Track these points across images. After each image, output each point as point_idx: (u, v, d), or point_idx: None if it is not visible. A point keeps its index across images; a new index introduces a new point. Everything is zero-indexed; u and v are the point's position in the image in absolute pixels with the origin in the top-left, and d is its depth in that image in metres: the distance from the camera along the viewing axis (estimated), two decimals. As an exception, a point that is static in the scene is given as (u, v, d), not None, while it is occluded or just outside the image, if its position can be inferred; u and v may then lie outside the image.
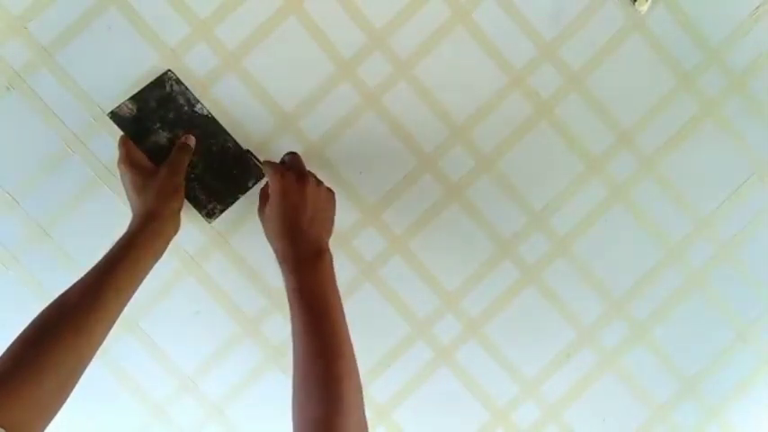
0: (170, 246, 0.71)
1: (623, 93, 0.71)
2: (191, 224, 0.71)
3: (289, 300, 0.57)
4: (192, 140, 0.68)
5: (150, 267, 0.60)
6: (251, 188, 0.70)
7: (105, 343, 0.71)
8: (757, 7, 0.71)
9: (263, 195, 0.66)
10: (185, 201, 0.68)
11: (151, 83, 0.68)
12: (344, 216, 0.71)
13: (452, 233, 0.72)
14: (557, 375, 0.74)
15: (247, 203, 0.71)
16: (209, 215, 0.70)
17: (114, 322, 0.55)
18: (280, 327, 0.72)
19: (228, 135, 0.69)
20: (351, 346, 0.55)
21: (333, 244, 0.71)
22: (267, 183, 0.65)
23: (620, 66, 0.71)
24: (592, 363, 0.74)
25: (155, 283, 0.70)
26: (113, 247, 0.58)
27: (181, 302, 0.71)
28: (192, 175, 0.69)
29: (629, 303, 0.74)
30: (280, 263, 0.60)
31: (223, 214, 0.70)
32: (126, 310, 0.71)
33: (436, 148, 0.71)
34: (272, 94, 0.70)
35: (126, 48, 0.69)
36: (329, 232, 0.63)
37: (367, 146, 0.71)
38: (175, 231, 0.64)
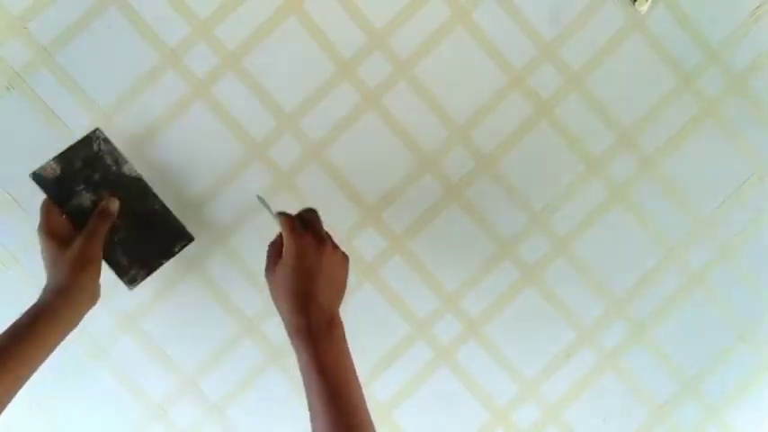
0: (170, 246, 0.71)
1: (623, 93, 0.71)
2: (192, 225, 0.71)
3: (303, 374, 0.53)
4: (113, 205, 0.64)
5: (60, 339, 0.58)
6: (177, 253, 0.67)
7: (105, 343, 0.71)
8: (757, 7, 0.71)
9: (274, 253, 0.59)
10: (108, 266, 0.65)
11: (77, 142, 0.64)
12: (344, 216, 0.71)
13: (452, 233, 0.72)
14: (557, 375, 0.74)
15: (247, 209, 0.71)
16: (131, 281, 0.66)
17: (16, 392, 0.53)
18: (280, 327, 0.72)
19: (156, 197, 0.67)
20: (370, 420, 0.52)
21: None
22: (277, 239, 0.60)
23: (620, 66, 0.71)
24: (592, 363, 0.74)
25: (155, 283, 0.71)
26: (21, 317, 0.57)
27: (181, 303, 0.71)
28: (115, 239, 0.65)
29: (629, 303, 0.74)
30: (290, 334, 0.55)
31: (223, 216, 0.70)
32: (126, 309, 0.71)
33: (436, 148, 0.71)
34: (272, 94, 0.70)
35: (126, 48, 0.69)
36: (341, 300, 0.59)
37: (367, 146, 0.71)
38: (92, 303, 0.62)
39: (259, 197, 0.62)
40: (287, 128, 0.71)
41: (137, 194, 0.66)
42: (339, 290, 0.58)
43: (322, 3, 0.69)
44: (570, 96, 0.71)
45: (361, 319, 0.73)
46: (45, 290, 0.60)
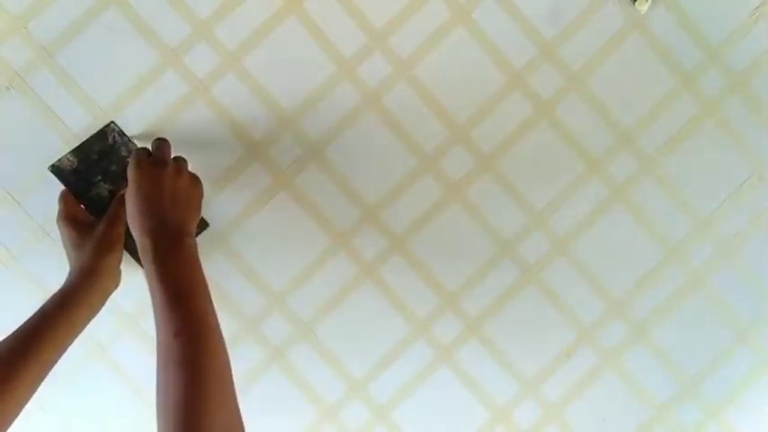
0: (170, 246, 0.71)
1: (623, 93, 0.71)
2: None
3: (150, 291, 0.54)
4: None
5: (86, 323, 0.59)
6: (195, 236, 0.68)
7: (106, 343, 0.71)
8: (757, 7, 0.71)
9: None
10: (126, 254, 0.67)
11: (93, 135, 0.67)
12: (344, 216, 0.71)
13: (452, 233, 0.72)
14: (557, 375, 0.74)
15: (247, 209, 0.71)
16: None
17: (43, 378, 0.55)
18: (280, 327, 0.72)
19: None
20: (216, 324, 0.53)
21: (332, 243, 0.72)
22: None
23: (620, 66, 0.71)
24: (592, 363, 0.74)
25: (155, 283, 0.71)
26: (47, 302, 0.58)
27: (181, 302, 0.71)
28: None
29: (629, 303, 0.74)
30: (139, 253, 0.57)
31: (223, 216, 0.70)
32: (128, 309, 0.71)
33: (436, 148, 0.71)
34: (272, 94, 0.70)
35: (126, 48, 0.69)
36: (193, 219, 0.62)
37: (367, 146, 0.71)
38: (115, 286, 0.64)
39: (121, 133, 0.67)
40: (287, 128, 0.71)
41: None
42: (188, 209, 0.61)
43: (322, 3, 0.69)
44: (570, 96, 0.71)
45: (361, 319, 0.73)
46: (70, 275, 0.61)
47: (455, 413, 0.74)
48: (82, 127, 0.69)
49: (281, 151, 0.71)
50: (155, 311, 0.53)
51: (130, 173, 0.60)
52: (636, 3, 0.70)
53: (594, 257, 0.73)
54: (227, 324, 0.72)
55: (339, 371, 0.73)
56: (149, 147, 0.65)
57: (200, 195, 0.65)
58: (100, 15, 0.68)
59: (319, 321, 0.73)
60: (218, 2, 0.69)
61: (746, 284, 0.74)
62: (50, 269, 0.70)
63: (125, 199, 0.61)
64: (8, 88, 0.68)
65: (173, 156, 0.65)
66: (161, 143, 0.65)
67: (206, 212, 0.71)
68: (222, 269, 0.71)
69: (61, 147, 0.69)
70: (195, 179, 0.64)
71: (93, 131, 0.68)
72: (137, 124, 0.70)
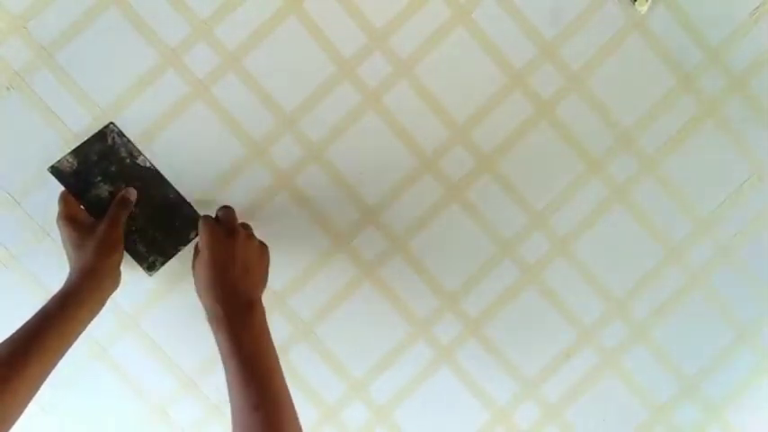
0: (170, 246, 0.71)
1: (623, 93, 0.71)
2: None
3: (223, 361, 0.56)
4: (131, 194, 0.67)
5: (86, 323, 0.60)
6: (192, 239, 0.70)
7: (106, 343, 0.71)
8: (757, 7, 0.71)
9: (197, 251, 0.64)
10: (126, 254, 0.67)
11: (92, 136, 0.67)
12: (344, 216, 0.71)
13: (452, 233, 0.72)
14: (557, 375, 0.74)
15: (246, 209, 0.71)
16: (150, 268, 0.69)
17: (45, 378, 0.55)
18: (280, 326, 0.72)
19: (171, 186, 0.69)
20: (289, 396, 0.54)
21: (332, 243, 0.72)
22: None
23: (620, 66, 0.71)
24: (592, 363, 0.74)
25: (156, 283, 0.71)
26: (48, 303, 0.58)
27: (181, 302, 0.71)
28: (133, 228, 0.68)
29: (629, 303, 0.74)
30: (210, 323, 0.58)
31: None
32: (126, 310, 0.71)
33: (436, 148, 0.71)
34: (272, 94, 0.70)
35: (126, 48, 0.69)
36: (261, 286, 0.63)
37: (367, 146, 0.71)
38: (115, 287, 0.64)
39: (187, 203, 0.69)
40: (287, 128, 0.71)
41: (152, 184, 0.69)
42: (257, 276, 0.62)
43: (322, 3, 0.69)
44: (570, 96, 0.71)
45: (362, 319, 0.73)
46: (71, 275, 0.62)
47: (455, 413, 0.74)
48: (82, 127, 0.69)
49: (282, 151, 0.71)
50: (229, 382, 0.54)
51: (202, 238, 0.60)
52: (636, 3, 0.70)
53: (594, 257, 0.73)
54: (227, 324, 0.72)
55: (339, 371, 0.73)
56: (214, 212, 0.65)
57: (268, 262, 0.66)
58: (100, 15, 0.68)
59: (319, 321, 0.73)
60: (218, 2, 0.69)
61: (746, 284, 0.74)
62: (50, 269, 0.70)
63: (195, 266, 0.61)
64: (8, 88, 0.68)
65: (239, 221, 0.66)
66: (228, 211, 0.65)
67: (206, 212, 0.71)
68: (222, 269, 0.71)
69: (61, 147, 0.69)
70: (263, 246, 0.65)
71: (93, 132, 0.68)
72: (137, 124, 0.70)
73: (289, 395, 0.55)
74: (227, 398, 0.72)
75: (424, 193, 0.72)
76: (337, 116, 0.71)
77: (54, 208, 0.68)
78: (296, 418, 0.54)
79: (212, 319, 0.58)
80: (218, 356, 0.72)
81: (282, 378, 0.56)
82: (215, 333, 0.57)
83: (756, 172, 0.73)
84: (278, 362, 0.56)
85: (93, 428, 0.72)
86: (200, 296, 0.61)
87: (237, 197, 0.71)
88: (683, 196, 0.73)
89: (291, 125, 0.71)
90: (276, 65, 0.70)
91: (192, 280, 0.62)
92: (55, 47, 0.68)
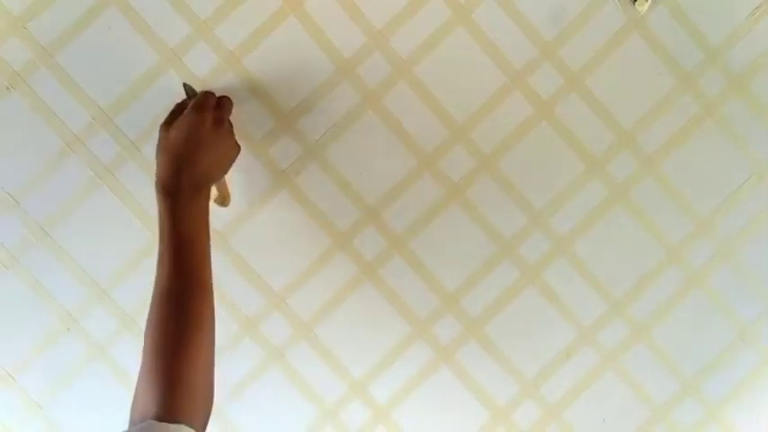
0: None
1: (623, 93, 0.71)
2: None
3: (159, 227, 0.57)
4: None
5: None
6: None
7: (105, 343, 0.71)
8: (757, 7, 0.71)
9: (176, 111, 0.65)
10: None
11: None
12: (344, 216, 0.71)
13: (452, 233, 0.72)
14: (557, 375, 0.74)
15: (247, 209, 0.71)
16: None
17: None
18: (280, 327, 0.72)
19: None
20: (209, 280, 0.57)
21: (332, 243, 0.72)
22: (185, 102, 0.66)
23: (620, 66, 0.71)
24: (592, 363, 0.74)
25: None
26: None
27: (181, 302, 0.71)
28: None
29: (629, 303, 0.74)
30: (157, 188, 0.59)
31: (223, 216, 0.70)
32: (126, 309, 0.71)
33: (436, 148, 0.71)
34: (272, 94, 0.70)
35: (126, 48, 0.69)
36: (216, 177, 0.64)
37: (367, 146, 0.71)
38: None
39: (184, 84, 0.67)
40: (287, 128, 0.70)
41: None
42: (217, 167, 0.63)
43: (322, 3, 0.69)
44: (570, 96, 0.71)
45: (361, 320, 0.73)
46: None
47: (455, 413, 0.74)
48: (82, 127, 0.69)
49: (281, 151, 0.71)
50: (161, 247, 0.57)
51: (191, 111, 0.61)
52: (636, 3, 0.70)
53: (594, 257, 0.73)
54: (228, 324, 0.72)
55: (339, 371, 0.73)
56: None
57: (230, 158, 0.65)
58: (100, 15, 0.68)
59: (319, 321, 0.73)
60: (218, 2, 0.69)
61: (746, 284, 0.74)
62: (50, 269, 0.70)
63: (167, 129, 0.62)
64: (8, 88, 0.68)
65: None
66: (227, 102, 0.66)
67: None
68: (222, 269, 0.71)
69: (61, 147, 0.69)
70: (237, 146, 0.65)
71: (93, 132, 0.68)
72: (137, 124, 0.70)
73: (208, 276, 0.57)
74: (227, 397, 0.73)
75: (424, 193, 0.72)
76: (337, 116, 0.71)
77: (55, 208, 0.69)
78: (210, 297, 0.56)
79: (160, 187, 0.59)
80: (217, 356, 0.72)
81: (209, 266, 0.58)
82: (159, 200, 0.58)
83: (756, 172, 0.73)
84: (208, 243, 0.59)
85: (92, 428, 0.72)
86: (157, 159, 0.61)
87: (237, 197, 0.71)
88: (683, 196, 0.73)
89: (292, 125, 0.70)
90: (276, 65, 0.70)
91: None
92: (55, 47, 0.68)
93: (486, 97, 0.71)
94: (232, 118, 0.66)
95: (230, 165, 0.65)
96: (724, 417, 0.75)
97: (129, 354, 0.72)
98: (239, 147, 0.66)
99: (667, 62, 0.71)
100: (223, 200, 0.69)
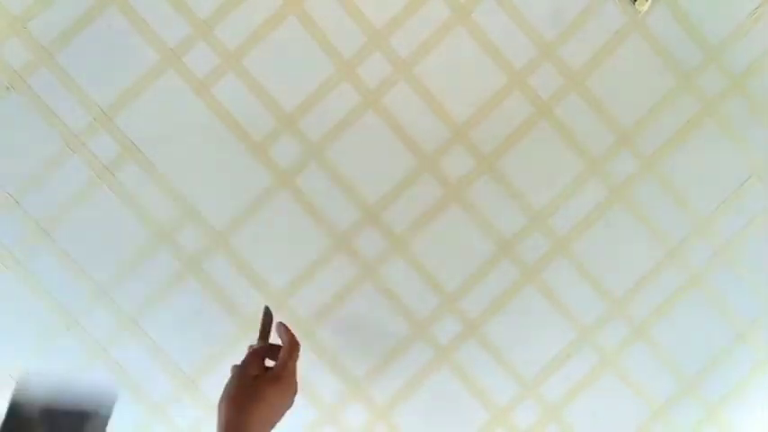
0: (170, 246, 0.71)
1: (623, 93, 0.71)
2: (192, 225, 0.71)
3: None
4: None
5: None
6: None
7: (105, 343, 0.71)
8: (757, 7, 0.71)
9: (258, 359, 0.59)
10: None
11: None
12: (344, 216, 0.71)
13: (452, 233, 0.72)
14: (557, 375, 0.74)
15: (247, 209, 0.71)
16: None
17: None
18: (280, 327, 0.72)
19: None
20: None
21: (332, 243, 0.72)
22: (260, 348, 0.60)
23: (620, 66, 0.71)
24: (592, 363, 0.74)
25: (155, 282, 0.71)
26: None
27: (181, 302, 0.71)
28: None
29: (629, 303, 0.74)
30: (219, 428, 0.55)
31: (223, 216, 0.70)
32: (126, 309, 0.71)
33: (436, 148, 0.71)
34: (272, 94, 0.70)
35: (126, 47, 0.69)
36: (274, 424, 0.58)
37: (367, 146, 0.71)
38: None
39: (266, 309, 0.63)
40: (287, 128, 0.71)
41: None
42: (278, 414, 0.58)
43: (322, 3, 0.69)
44: (570, 96, 0.71)
45: (361, 320, 0.73)
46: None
47: (455, 413, 0.74)
48: (82, 127, 0.69)
49: (282, 151, 0.71)
50: None
51: (291, 361, 0.58)
52: (636, 3, 0.70)
53: (594, 257, 0.73)
54: (227, 324, 0.72)
55: (339, 371, 0.73)
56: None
57: (291, 403, 0.59)
58: (100, 15, 0.68)
59: (319, 321, 0.73)
60: (218, 2, 0.69)
61: (746, 284, 0.74)
62: (50, 269, 0.70)
63: (252, 378, 0.57)
64: (8, 88, 0.68)
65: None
66: (296, 354, 0.60)
67: (206, 212, 0.71)
68: (222, 269, 0.71)
69: (61, 147, 0.69)
70: (295, 386, 0.60)
71: (93, 132, 0.68)
72: (137, 124, 0.70)
73: None
74: (228, 398, 0.72)
75: (424, 193, 0.72)
76: (337, 116, 0.71)
77: (55, 208, 0.69)
78: None
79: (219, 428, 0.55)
80: (217, 356, 0.72)
81: None
82: None
83: (756, 172, 0.73)
84: None
85: (93, 428, 0.72)
86: (225, 404, 0.56)
87: (238, 197, 0.71)
88: (683, 196, 0.73)
89: (291, 125, 0.71)
90: (276, 65, 0.70)
91: None
92: (55, 47, 0.68)
93: (486, 97, 0.71)
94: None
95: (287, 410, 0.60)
96: (723, 416, 0.75)
97: (129, 354, 0.72)
98: (297, 388, 0.60)
99: (667, 62, 0.71)
100: None
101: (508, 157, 0.72)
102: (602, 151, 0.72)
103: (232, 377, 0.57)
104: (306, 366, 0.73)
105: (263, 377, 0.56)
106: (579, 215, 0.73)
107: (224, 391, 0.56)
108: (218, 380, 0.73)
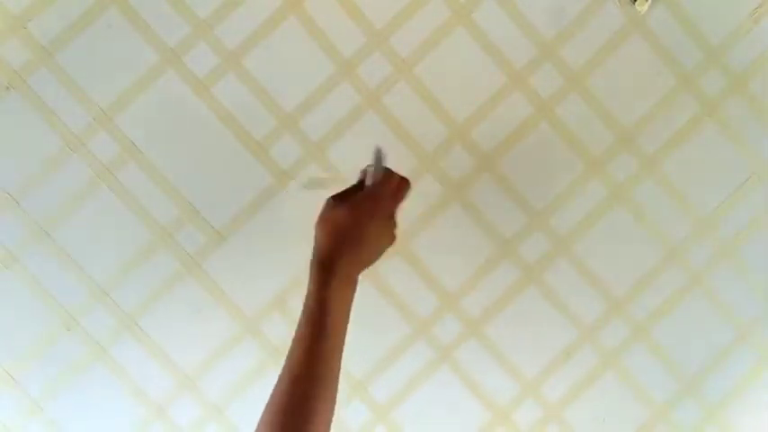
0: (170, 245, 0.71)
1: (623, 93, 0.71)
2: (192, 225, 0.71)
3: (306, 300, 0.54)
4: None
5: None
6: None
7: (105, 343, 0.71)
8: (757, 7, 0.71)
9: (358, 193, 0.58)
10: None
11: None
12: (344, 216, 0.71)
13: (452, 233, 0.72)
14: (557, 375, 0.74)
15: (247, 209, 0.71)
16: None
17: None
18: (280, 326, 0.72)
19: None
20: (337, 370, 0.55)
21: (333, 244, 0.72)
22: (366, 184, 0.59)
23: (620, 66, 0.71)
24: (592, 363, 0.74)
25: (155, 282, 0.71)
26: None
27: (181, 302, 0.71)
28: None
29: (629, 303, 0.74)
30: (314, 262, 0.55)
31: (223, 216, 0.70)
32: (126, 309, 0.71)
33: (436, 148, 0.71)
34: (272, 94, 0.70)
35: (126, 48, 0.69)
36: (367, 266, 0.58)
37: (366, 146, 0.71)
38: None
39: (378, 151, 0.60)
40: (287, 127, 0.71)
41: None
42: (373, 256, 0.58)
43: (322, 3, 0.69)
44: (570, 96, 0.71)
45: (362, 319, 0.73)
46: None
47: (455, 413, 0.74)
48: (82, 127, 0.69)
49: (282, 151, 0.71)
50: (301, 321, 0.54)
51: (381, 194, 0.56)
52: (636, 3, 0.70)
53: (594, 257, 0.73)
54: (227, 324, 0.72)
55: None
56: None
57: (385, 248, 0.59)
58: (100, 15, 0.68)
59: (319, 321, 0.72)
60: (218, 2, 0.69)
61: (746, 284, 0.74)
62: (50, 269, 0.70)
63: (347, 203, 0.56)
64: (8, 88, 0.68)
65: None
66: (392, 175, 0.59)
67: (206, 212, 0.71)
68: (222, 269, 0.71)
69: (61, 147, 0.69)
70: (394, 231, 0.59)
71: (93, 132, 0.68)
72: (137, 124, 0.70)
73: (337, 380, 0.54)
74: (227, 397, 0.73)
75: (424, 193, 0.72)
76: (337, 116, 0.71)
77: (55, 208, 0.69)
78: (333, 404, 0.54)
79: (319, 262, 0.54)
80: (217, 356, 0.72)
81: (342, 351, 0.55)
82: (314, 274, 0.54)
83: (756, 172, 0.73)
84: (345, 333, 0.56)
85: (92, 428, 0.72)
86: (321, 231, 0.56)
87: (238, 197, 0.71)
88: (683, 196, 0.73)
89: (291, 125, 0.71)
90: (276, 65, 0.70)
91: None
92: (55, 47, 0.68)
93: (486, 97, 0.71)
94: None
95: (381, 254, 0.59)
96: (723, 417, 0.75)
97: (129, 354, 0.72)
98: (396, 237, 0.59)
99: (667, 62, 0.71)
100: None
101: (508, 157, 0.72)
102: (602, 151, 0.72)
103: (335, 208, 0.56)
104: (306, 366, 0.73)
105: (359, 203, 0.55)
106: (579, 215, 0.73)
107: (326, 220, 0.56)
108: (219, 380, 0.73)
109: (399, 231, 0.72)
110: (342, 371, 0.73)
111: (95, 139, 0.69)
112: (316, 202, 0.71)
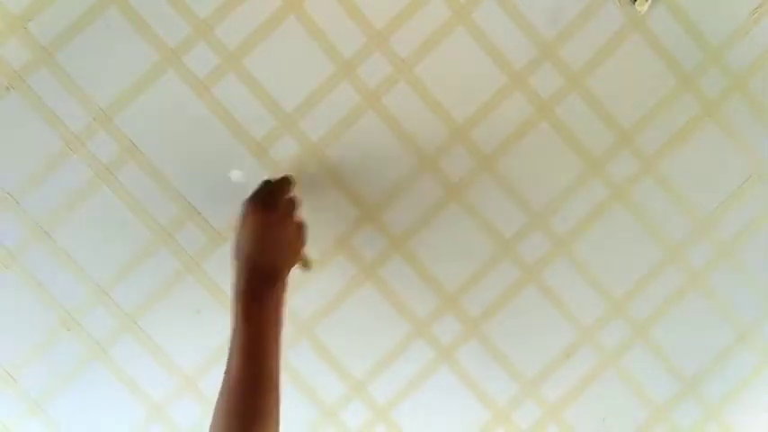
0: (170, 246, 0.71)
1: (623, 93, 0.71)
2: (192, 225, 0.71)
3: (231, 324, 0.56)
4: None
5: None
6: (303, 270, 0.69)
7: (105, 343, 0.72)
8: (757, 7, 0.71)
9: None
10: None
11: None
12: (345, 216, 0.71)
13: (452, 233, 0.72)
14: (557, 375, 0.74)
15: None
16: None
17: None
18: (280, 327, 0.72)
19: None
20: (276, 375, 0.56)
21: (333, 244, 0.72)
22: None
23: (620, 66, 0.71)
24: (592, 363, 0.74)
25: (155, 283, 0.71)
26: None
27: (181, 302, 0.71)
28: None
29: (629, 303, 0.74)
30: (232, 286, 0.59)
31: (223, 216, 0.70)
32: (126, 309, 0.71)
33: (436, 148, 0.71)
34: (272, 94, 0.70)
35: (126, 48, 0.69)
36: (288, 265, 0.62)
37: (367, 146, 0.71)
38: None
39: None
40: (287, 128, 0.71)
41: None
42: (285, 253, 0.62)
43: (322, 3, 0.69)
44: (570, 96, 0.71)
45: (362, 319, 0.73)
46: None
47: (455, 413, 0.74)
48: (82, 127, 0.69)
49: (282, 151, 0.71)
50: (231, 344, 0.56)
51: (246, 205, 0.61)
52: (636, 3, 0.70)
53: (594, 257, 0.73)
54: (227, 325, 0.72)
55: (339, 371, 0.73)
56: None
57: (303, 244, 0.65)
58: (100, 15, 0.68)
59: (319, 321, 0.73)
60: (218, 2, 0.69)
61: (746, 284, 0.74)
62: (50, 269, 0.70)
63: (235, 232, 0.61)
64: (8, 88, 0.68)
65: (290, 195, 0.65)
66: (275, 186, 0.65)
67: (206, 212, 0.71)
68: (222, 269, 0.71)
69: (61, 147, 0.69)
70: (300, 228, 0.64)
71: (93, 132, 0.68)
72: (137, 124, 0.70)
73: (278, 379, 0.56)
74: (227, 398, 0.72)
75: (424, 193, 0.72)
76: (337, 116, 0.71)
77: (55, 208, 0.69)
78: (277, 403, 0.56)
79: (232, 288, 0.58)
80: (217, 356, 0.72)
81: (278, 357, 0.57)
82: (232, 300, 0.58)
83: (756, 172, 0.73)
84: (279, 343, 0.58)
85: (92, 428, 0.72)
86: (232, 257, 0.60)
87: (237, 198, 0.71)
88: (683, 196, 0.73)
89: (292, 125, 0.71)
90: (276, 65, 0.70)
91: None
92: (55, 47, 0.68)
93: (486, 97, 0.71)
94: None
95: (302, 246, 0.64)
96: (723, 417, 0.75)
97: (128, 354, 0.72)
98: (304, 225, 0.64)
99: (667, 62, 0.71)
100: (305, 264, 0.68)
101: (508, 157, 0.72)
102: (602, 151, 0.72)
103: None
104: (306, 366, 0.73)
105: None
106: (579, 215, 0.73)
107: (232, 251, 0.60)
108: (218, 380, 0.73)
109: (399, 231, 0.72)
110: (342, 371, 0.73)
111: (95, 139, 0.69)
112: (314, 203, 0.72)
